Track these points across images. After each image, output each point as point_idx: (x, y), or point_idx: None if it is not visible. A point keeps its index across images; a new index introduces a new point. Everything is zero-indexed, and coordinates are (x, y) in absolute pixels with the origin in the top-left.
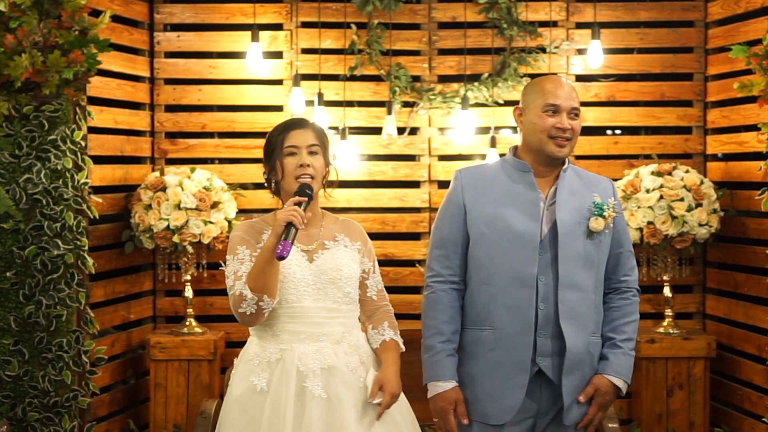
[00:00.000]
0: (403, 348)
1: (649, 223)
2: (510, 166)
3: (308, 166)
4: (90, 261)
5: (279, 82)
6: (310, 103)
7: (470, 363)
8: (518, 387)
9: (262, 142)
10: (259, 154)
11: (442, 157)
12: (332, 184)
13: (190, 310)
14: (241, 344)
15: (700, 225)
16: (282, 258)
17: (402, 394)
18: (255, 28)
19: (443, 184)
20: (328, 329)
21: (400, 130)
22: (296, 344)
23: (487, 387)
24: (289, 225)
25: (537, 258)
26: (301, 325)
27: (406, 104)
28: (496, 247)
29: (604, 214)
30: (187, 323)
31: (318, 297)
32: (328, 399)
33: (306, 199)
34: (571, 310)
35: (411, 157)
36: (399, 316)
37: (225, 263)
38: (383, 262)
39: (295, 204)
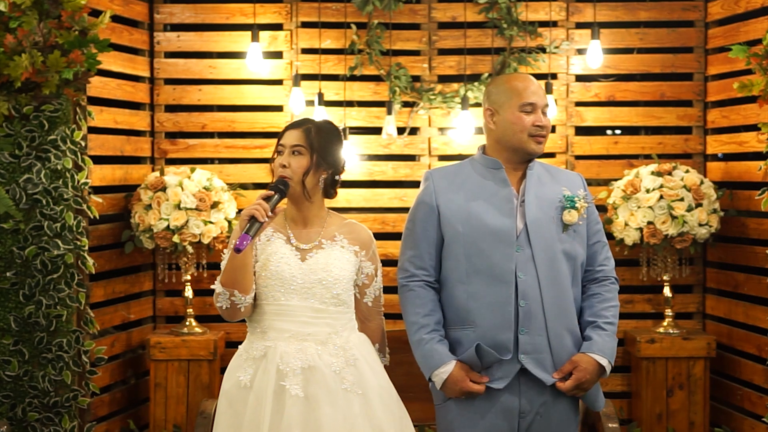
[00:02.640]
0: (387, 364)
1: (649, 223)
2: (480, 164)
3: (284, 166)
4: (90, 261)
5: (279, 82)
6: (310, 103)
7: None
8: (497, 381)
9: (262, 142)
10: (259, 154)
11: (442, 157)
12: (335, 184)
13: (190, 310)
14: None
15: (700, 225)
16: (238, 251)
17: (395, 395)
18: (255, 28)
19: None
20: (314, 329)
21: (400, 130)
22: (281, 342)
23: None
24: (252, 219)
25: (514, 254)
26: (286, 323)
27: (406, 104)
28: (472, 245)
29: (576, 205)
30: (187, 323)
31: (305, 296)
32: (305, 399)
33: (273, 193)
34: (555, 306)
35: (411, 157)
36: (398, 316)
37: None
38: (383, 262)
39: (264, 198)
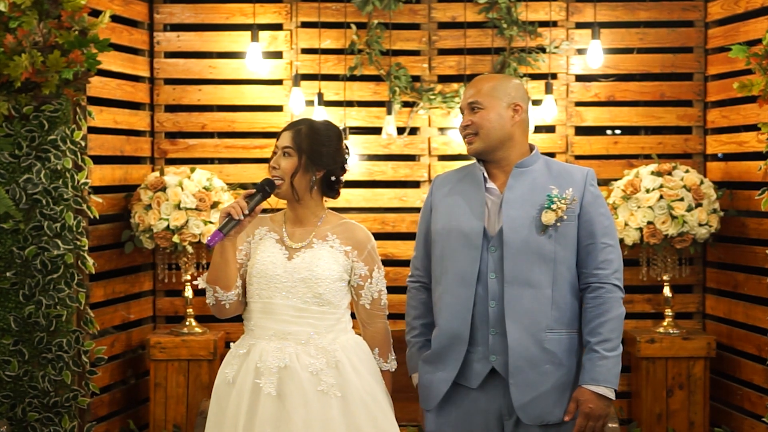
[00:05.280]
0: (393, 369)
1: (649, 223)
2: (475, 167)
3: (274, 168)
4: (90, 261)
5: (279, 82)
6: (310, 103)
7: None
8: (471, 380)
9: (261, 142)
10: (259, 154)
11: (442, 157)
12: (332, 184)
13: (189, 310)
14: None
15: (700, 225)
16: (209, 247)
17: (382, 400)
18: (255, 28)
19: None
20: (295, 329)
21: (400, 130)
22: (263, 340)
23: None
24: (229, 216)
25: (479, 256)
26: (269, 322)
27: (406, 104)
28: (446, 246)
29: (553, 206)
30: (187, 323)
31: (288, 295)
32: (278, 397)
33: (254, 191)
34: (518, 307)
35: (411, 157)
36: (399, 316)
37: None
38: (382, 262)
39: (246, 197)
